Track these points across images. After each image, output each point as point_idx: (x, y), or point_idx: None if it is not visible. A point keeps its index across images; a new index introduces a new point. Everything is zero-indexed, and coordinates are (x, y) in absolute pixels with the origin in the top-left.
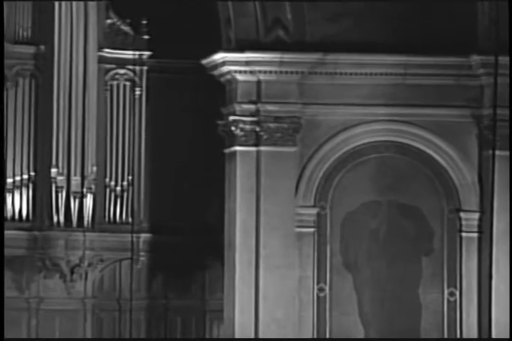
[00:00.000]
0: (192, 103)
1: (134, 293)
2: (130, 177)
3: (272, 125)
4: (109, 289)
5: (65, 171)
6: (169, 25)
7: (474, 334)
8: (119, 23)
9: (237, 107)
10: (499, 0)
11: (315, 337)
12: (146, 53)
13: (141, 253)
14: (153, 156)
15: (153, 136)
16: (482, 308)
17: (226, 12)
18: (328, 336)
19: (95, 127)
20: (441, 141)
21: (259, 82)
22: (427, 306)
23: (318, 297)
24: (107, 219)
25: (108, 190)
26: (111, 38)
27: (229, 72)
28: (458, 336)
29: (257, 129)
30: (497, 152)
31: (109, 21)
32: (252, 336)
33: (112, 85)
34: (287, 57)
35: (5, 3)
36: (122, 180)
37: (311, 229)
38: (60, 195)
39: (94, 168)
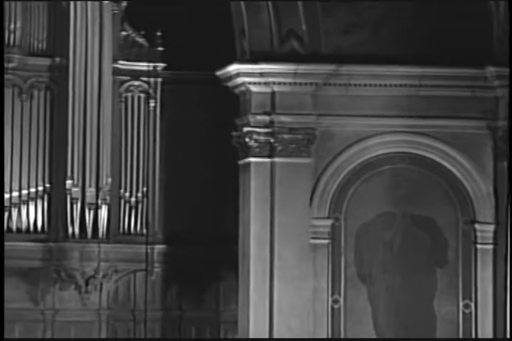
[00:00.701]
0: (206, 114)
1: (149, 304)
2: (145, 189)
3: (286, 136)
4: (123, 300)
5: (80, 183)
6: (183, 37)
7: None
8: (133, 35)
9: (252, 118)
10: None
11: None
12: (161, 65)
13: (156, 265)
14: (167, 167)
15: (167, 147)
16: (497, 320)
17: (240, 23)
18: None
19: (110, 139)
20: (456, 153)
21: (273, 94)
22: (442, 318)
23: (332, 308)
24: (121, 230)
25: (123, 202)
26: (125, 50)
27: (243, 84)
28: None
29: (272, 140)
30: None
31: (123, 33)
32: None
33: (126, 97)
34: (302, 68)
35: (20, 15)
36: (137, 191)
37: (326, 241)
38: (75, 206)
39: (109, 180)
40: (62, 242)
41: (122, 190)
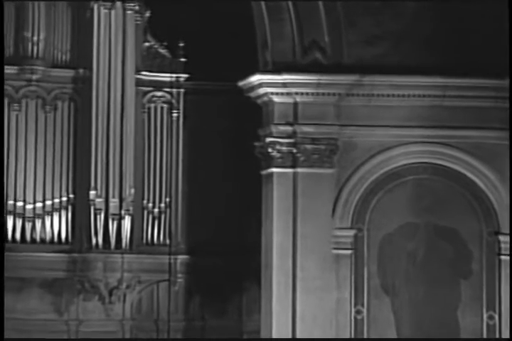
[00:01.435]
0: (229, 125)
1: (172, 315)
2: (168, 199)
3: (308, 146)
4: (147, 311)
5: (104, 193)
6: (206, 48)
7: None
8: (156, 46)
9: (274, 129)
10: None
11: None
12: (183, 76)
13: (179, 275)
14: (190, 178)
15: (190, 157)
16: None
17: (263, 34)
18: None
19: (133, 149)
20: (479, 163)
21: (296, 104)
22: (466, 329)
23: (355, 319)
24: (144, 240)
25: (146, 212)
26: (148, 61)
27: (266, 94)
28: None
29: (294, 151)
30: None
31: (146, 44)
32: None
33: (149, 108)
34: (324, 78)
35: (44, 27)
36: (160, 202)
37: (349, 251)
38: (98, 217)
39: (132, 190)
40: (85, 253)
41: (145, 201)
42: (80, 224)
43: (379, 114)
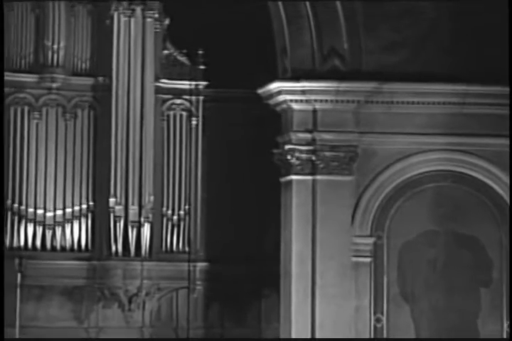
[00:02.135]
0: (248, 132)
1: (191, 322)
2: (187, 207)
3: (328, 154)
4: (166, 318)
5: (123, 201)
6: (225, 55)
7: None
8: (175, 53)
9: (293, 136)
10: None
11: None
12: (203, 83)
13: (198, 282)
14: (209, 185)
15: (209, 165)
16: None
17: (282, 41)
18: None
19: (152, 157)
20: (499, 171)
21: (315, 111)
22: (486, 338)
23: (375, 327)
24: (164, 248)
25: (165, 219)
26: (168, 69)
27: (285, 101)
28: None
29: (313, 158)
30: None
31: (165, 52)
32: None
33: (168, 115)
34: (343, 86)
35: (64, 35)
36: (179, 209)
37: (368, 259)
38: (118, 224)
39: (152, 198)
40: (105, 260)
41: (165, 208)
42: (99, 231)
43: (398, 121)
